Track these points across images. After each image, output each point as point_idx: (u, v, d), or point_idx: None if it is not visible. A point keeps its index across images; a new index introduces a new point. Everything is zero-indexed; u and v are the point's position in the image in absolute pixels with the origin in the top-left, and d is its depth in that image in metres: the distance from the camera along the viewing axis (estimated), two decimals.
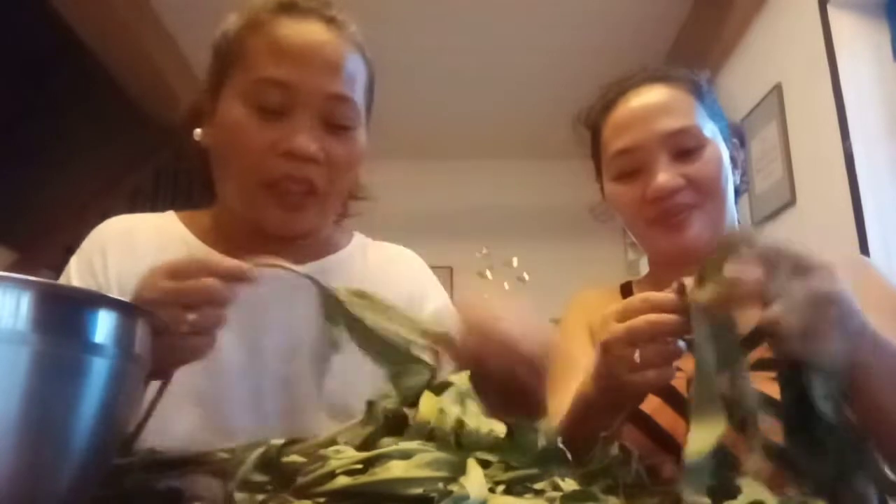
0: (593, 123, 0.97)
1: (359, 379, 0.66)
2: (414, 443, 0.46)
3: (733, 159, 0.93)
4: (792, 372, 0.53)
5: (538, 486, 0.46)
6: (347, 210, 0.93)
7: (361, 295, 0.61)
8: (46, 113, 2.88)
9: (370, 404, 0.53)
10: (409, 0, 2.87)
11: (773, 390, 0.54)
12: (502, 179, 4.19)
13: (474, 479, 0.42)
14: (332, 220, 0.88)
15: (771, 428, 0.52)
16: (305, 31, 0.77)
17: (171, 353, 0.55)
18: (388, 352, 0.58)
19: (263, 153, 0.75)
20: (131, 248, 0.81)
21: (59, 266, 0.83)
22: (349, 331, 0.59)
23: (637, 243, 0.97)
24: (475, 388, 0.53)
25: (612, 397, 0.64)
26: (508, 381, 0.62)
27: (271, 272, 0.60)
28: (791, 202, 2.24)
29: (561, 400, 0.73)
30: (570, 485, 0.46)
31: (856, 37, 2.04)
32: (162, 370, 0.56)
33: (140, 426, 0.58)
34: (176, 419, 0.72)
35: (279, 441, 0.50)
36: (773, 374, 0.55)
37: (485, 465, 0.46)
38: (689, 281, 0.57)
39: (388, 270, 0.90)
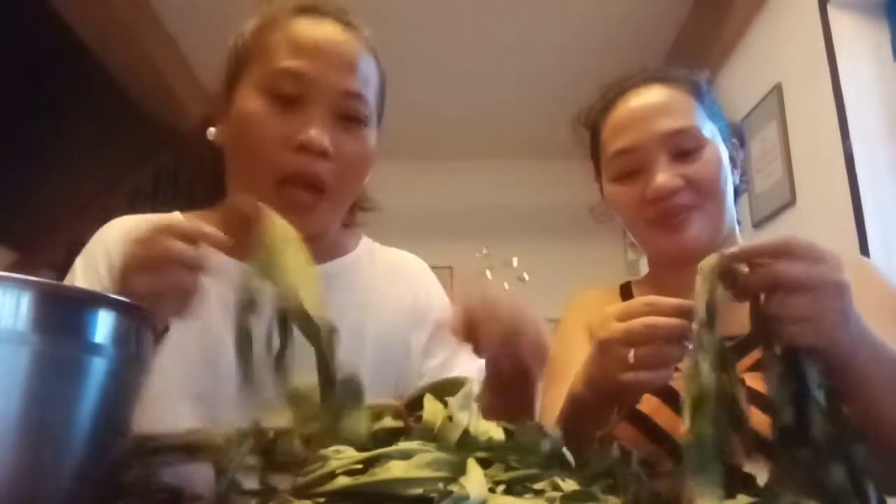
0: (593, 123, 0.97)
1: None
2: (414, 443, 0.46)
3: (733, 159, 0.93)
4: (785, 365, 0.53)
5: (538, 486, 0.46)
6: (355, 220, 0.94)
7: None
8: (46, 113, 2.88)
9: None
10: (409, 0, 2.87)
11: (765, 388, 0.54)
12: (502, 179, 4.18)
13: (474, 480, 0.42)
14: (340, 223, 0.88)
15: (760, 423, 0.52)
16: (323, 30, 0.80)
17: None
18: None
19: (277, 147, 0.76)
20: None
21: (59, 265, 0.83)
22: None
23: (637, 243, 0.97)
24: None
25: (604, 397, 0.64)
26: (510, 358, 0.61)
27: None
28: (791, 202, 2.24)
29: (557, 398, 0.73)
30: (570, 485, 0.46)
31: (856, 37, 2.04)
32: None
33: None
34: (175, 419, 0.71)
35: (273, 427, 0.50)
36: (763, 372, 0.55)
37: (485, 465, 0.46)
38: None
39: (394, 276, 0.91)
